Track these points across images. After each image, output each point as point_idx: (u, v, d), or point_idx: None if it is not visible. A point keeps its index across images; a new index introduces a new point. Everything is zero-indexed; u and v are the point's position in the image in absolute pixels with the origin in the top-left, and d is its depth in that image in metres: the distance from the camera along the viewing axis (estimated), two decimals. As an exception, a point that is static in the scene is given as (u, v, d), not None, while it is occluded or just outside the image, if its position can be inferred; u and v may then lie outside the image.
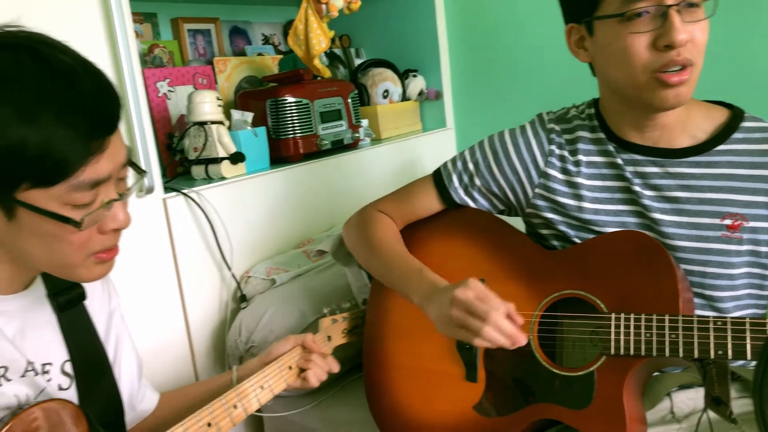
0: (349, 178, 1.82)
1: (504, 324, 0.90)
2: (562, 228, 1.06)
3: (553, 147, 1.06)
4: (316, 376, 1.08)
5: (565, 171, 1.06)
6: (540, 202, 1.07)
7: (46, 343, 0.86)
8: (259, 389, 1.02)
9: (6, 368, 0.80)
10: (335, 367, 1.11)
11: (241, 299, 1.47)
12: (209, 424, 0.94)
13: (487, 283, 1.07)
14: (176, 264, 1.38)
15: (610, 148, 1.03)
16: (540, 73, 2.07)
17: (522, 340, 0.90)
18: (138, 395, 1.03)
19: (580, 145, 1.05)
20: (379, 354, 1.17)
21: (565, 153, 1.06)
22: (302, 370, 1.09)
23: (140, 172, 0.86)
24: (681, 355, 0.87)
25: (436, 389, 1.08)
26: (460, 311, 0.92)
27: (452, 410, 1.06)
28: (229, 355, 1.44)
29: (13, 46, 0.71)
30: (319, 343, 1.14)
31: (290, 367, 1.08)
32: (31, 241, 0.75)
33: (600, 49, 0.96)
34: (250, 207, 1.55)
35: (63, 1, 1.18)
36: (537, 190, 1.07)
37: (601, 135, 1.04)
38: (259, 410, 1.03)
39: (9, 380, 0.79)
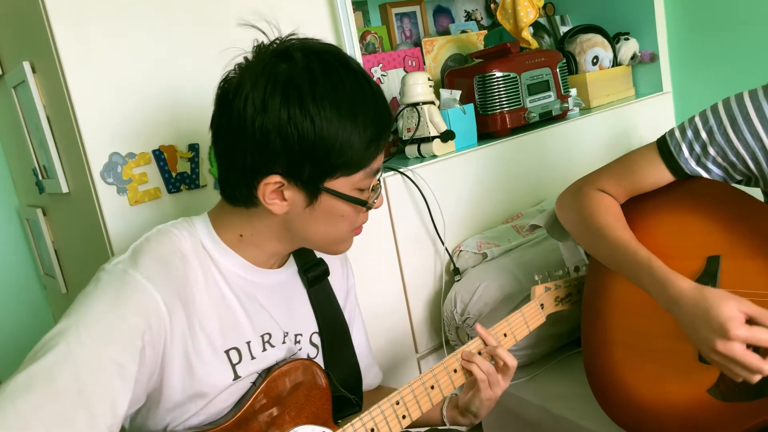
0: (558, 150, 1.78)
1: None
2: (817, 200, 0.94)
3: None
4: (480, 373, 1.02)
5: None
6: (789, 172, 0.96)
7: (299, 316, 0.98)
8: (478, 356, 1.05)
9: (270, 335, 0.92)
10: (509, 362, 1.02)
11: (454, 272, 1.53)
12: (432, 387, 1.00)
13: (724, 260, 1.00)
14: (395, 237, 1.47)
15: None
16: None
17: None
18: (366, 369, 1.12)
19: None
20: (599, 330, 1.14)
21: None
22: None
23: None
24: None
25: (665, 369, 1.03)
26: (724, 360, 0.89)
27: (683, 392, 1.01)
28: (445, 325, 1.51)
29: (323, 53, 0.83)
30: (526, 315, 1.14)
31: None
32: (318, 222, 0.87)
33: None
34: (459, 183, 1.59)
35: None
36: (785, 159, 0.96)
37: None
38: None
39: (273, 346, 0.92)
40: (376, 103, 0.84)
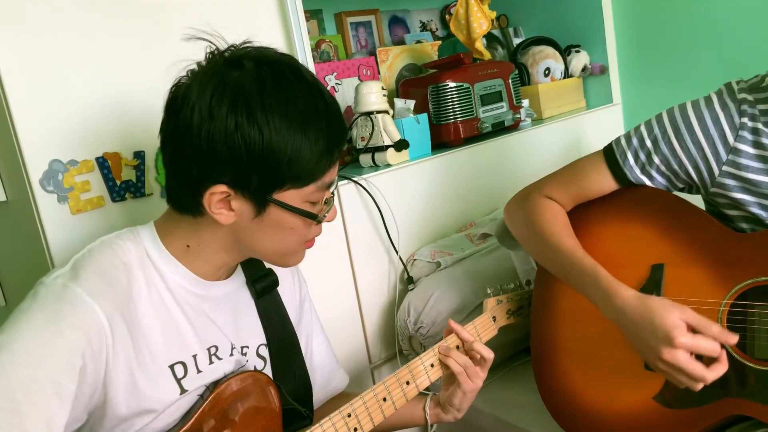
0: (511, 160, 1.80)
1: (716, 376, 0.89)
2: (754, 209, 0.97)
3: (745, 119, 0.97)
4: (457, 366, 1.04)
5: (758, 145, 0.96)
6: (728, 181, 0.99)
7: (246, 328, 0.96)
8: (429, 367, 1.05)
9: (217, 347, 0.90)
10: (485, 354, 1.05)
11: (408, 281, 1.52)
12: (384, 399, 0.99)
13: (667, 268, 1.02)
14: (349, 247, 1.46)
15: None
16: (722, 41, 1.88)
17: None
18: (331, 374, 1.11)
19: None
20: (548, 338, 1.15)
21: (759, 125, 0.96)
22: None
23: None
24: None
25: (612, 376, 1.05)
26: (669, 369, 0.91)
27: (630, 399, 1.02)
28: (398, 335, 1.50)
29: (275, 63, 0.81)
30: (479, 327, 1.14)
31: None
32: (266, 234, 0.85)
33: None
34: (413, 192, 1.59)
35: (243, 3, 1.29)
36: (725, 168, 0.99)
37: None
38: (428, 388, 1.07)
39: (220, 359, 0.90)
40: (329, 115, 0.82)
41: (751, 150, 0.96)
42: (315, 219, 0.86)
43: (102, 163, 1.12)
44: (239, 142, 0.77)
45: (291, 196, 0.83)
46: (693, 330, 0.90)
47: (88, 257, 0.83)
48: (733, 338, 0.89)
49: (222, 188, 0.80)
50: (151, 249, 0.86)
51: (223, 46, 0.83)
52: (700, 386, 0.90)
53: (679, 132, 1.01)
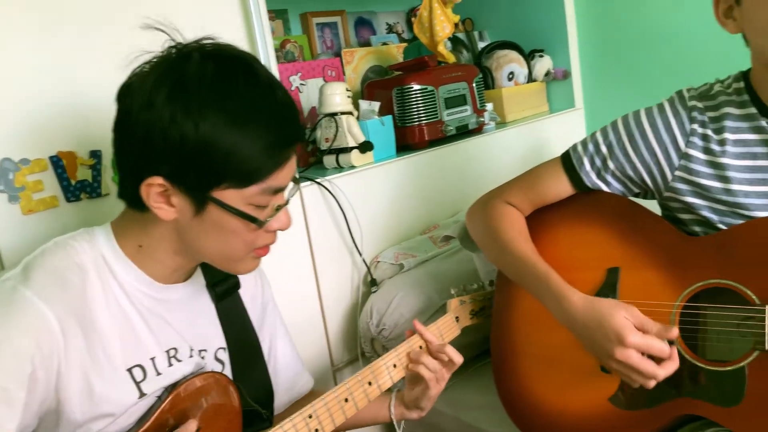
0: (474, 163, 1.82)
1: (668, 373, 0.91)
2: (705, 213, 1.00)
3: (695, 126, 0.99)
4: (428, 373, 1.04)
5: (707, 151, 0.99)
6: (680, 186, 1.01)
7: (204, 331, 0.95)
8: (392, 367, 1.05)
9: (176, 350, 0.89)
10: (455, 358, 1.05)
11: (371, 283, 1.52)
12: (346, 399, 0.99)
13: (623, 271, 1.04)
14: (311, 249, 1.45)
15: (764, 123, 0.95)
16: (678, 48, 1.93)
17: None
18: (296, 377, 1.11)
19: (727, 123, 0.97)
20: (507, 340, 1.16)
21: (709, 132, 0.99)
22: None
23: (296, 181, 0.90)
24: None
25: (569, 378, 1.06)
26: (623, 368, 0.93)
27: (586, 400, 1.04)
28: (361, 337, 1.50)
29: (226, 58, 0.79)
30: (442, 328, 1.14)
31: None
32: (208, 235, 0.83)
33: (748, 19, 0.89)
34: (377, 194, 1.59)
35: (205, 1, 1.27)
36: (677, 173, 1.01)
37: (753, 110, 0.96)
38: (389, 389, 1.07)
39: (180, 361, 0.89)
40: (277, 115, 0.80)
41: (701, 156, 0.99)
42: (256, 223, 0.82)
43: (56, 162, 1.09)
44: (174, 133, 0.75)
45: (231, 196, 0.80)
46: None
47: (40, 259, 0.81)
48: (673, 332, 0.92)
49: (158, 180, 0.78)
50: (106, 250, 0.85)
51: (181, 40, 0.82)
52: (652, 383, 0.92)
53: (633, 138, 1.04)
